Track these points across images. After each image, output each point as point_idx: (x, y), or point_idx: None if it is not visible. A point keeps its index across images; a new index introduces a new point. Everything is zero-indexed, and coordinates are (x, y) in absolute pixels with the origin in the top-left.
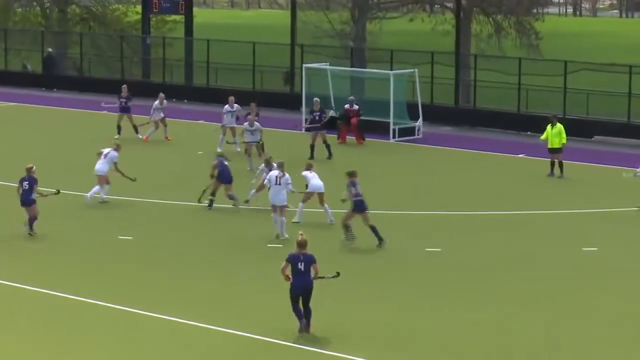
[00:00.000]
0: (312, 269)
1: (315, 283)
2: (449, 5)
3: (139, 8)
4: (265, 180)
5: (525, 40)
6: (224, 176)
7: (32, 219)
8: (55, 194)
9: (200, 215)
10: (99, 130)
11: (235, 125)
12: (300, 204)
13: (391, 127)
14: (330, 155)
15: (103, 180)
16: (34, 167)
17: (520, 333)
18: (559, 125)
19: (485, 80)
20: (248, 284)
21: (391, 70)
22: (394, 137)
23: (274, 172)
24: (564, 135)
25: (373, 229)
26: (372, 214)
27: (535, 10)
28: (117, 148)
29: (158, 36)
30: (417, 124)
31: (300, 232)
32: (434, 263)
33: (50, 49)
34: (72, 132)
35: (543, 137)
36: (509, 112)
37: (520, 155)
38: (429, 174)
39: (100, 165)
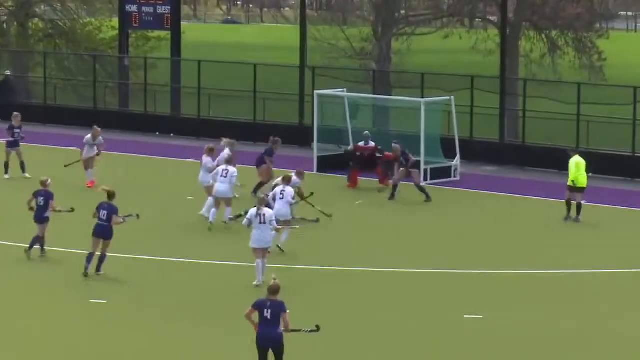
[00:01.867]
0: (281, 319)
1: (290, 337)
2: (493, 19)
3: (115, 22)
4: (246, 220)
5: (585, 61)
6: None
7: (41, 238)
8: (70, 211)
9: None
10: (62, 170)
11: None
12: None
13: (422, 167)
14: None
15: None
16: (49, 180)
17: None
18: (582, 160)
19: (536, 111)
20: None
21: (422, 97)
22: (425, 179)
23: (254, 210)
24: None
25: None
26: (398, 272)
27: (597, 25)
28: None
29: (138, 56)
30: (453, 163)
31: (274, 276)
32: (475, 332)
33: (7, 72)
34: (32, 172)
35: (573, 175)
36: (566, 148)
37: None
38: (467, 224)
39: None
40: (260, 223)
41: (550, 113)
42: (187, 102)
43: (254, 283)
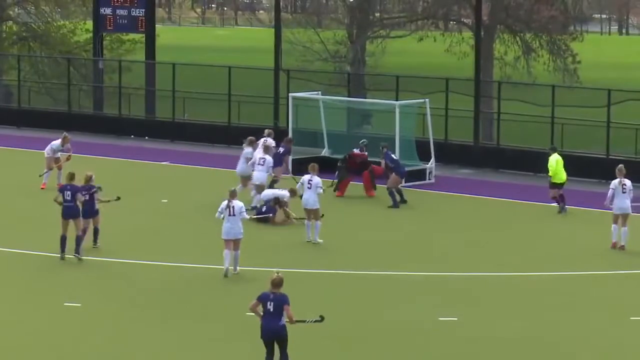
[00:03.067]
0: (284, 311)
1: (294, 328)
2: (467, 21)
3: (89, 25)
4: (217, 212)
5: (560, 63)
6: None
7: (96, 231)
8: (117, 199)
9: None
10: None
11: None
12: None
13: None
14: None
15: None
16: (94, 175)
17: None
18: (560, 158)
19: (511, 113)
20: None
21: (396, 100)
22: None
23: (225, 202)
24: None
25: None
26: (371, 275)
27: (572, 28)
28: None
29: (113, 59)
30: (428, 165)
31: (276, 270)
32: (448, 335)
33: None
34: (6, 175)
35: (553, 171)
36: (540, 151)
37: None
38: (442, 227)
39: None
40: (230, 215)
41: (525, 115)
42: (161, 105)
43: (223, 272)
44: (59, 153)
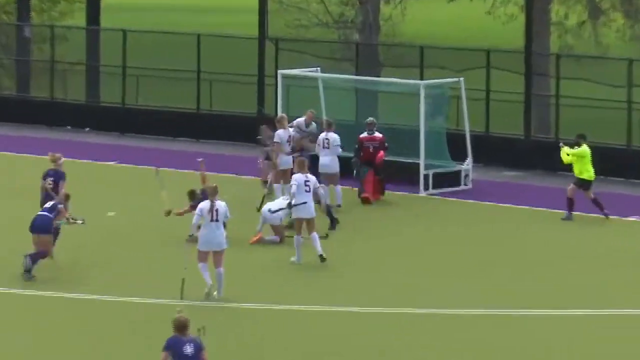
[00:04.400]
0: (202, 355)
1: None
2: None
3: None
4: (196, 216)
5: (638, 30)
6: None
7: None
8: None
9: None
10: None
11: None
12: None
13: (422, 172)
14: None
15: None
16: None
17: None
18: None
19: (574, 97)
20: None
21: (421, 79)
22: (426, 188)
23: (206, 204)
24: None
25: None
26: (386, 312)
27: None
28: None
29: (43, 24)
30: (463, 167)
31: (178, 309)
32: None
33: None
34: None
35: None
36: (613, 146)
37: (632, 218)
38: (482, 247)
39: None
40: (212, 221)
41: (592, 100)
42: (108, 85)
43: (206, 291)
44: None
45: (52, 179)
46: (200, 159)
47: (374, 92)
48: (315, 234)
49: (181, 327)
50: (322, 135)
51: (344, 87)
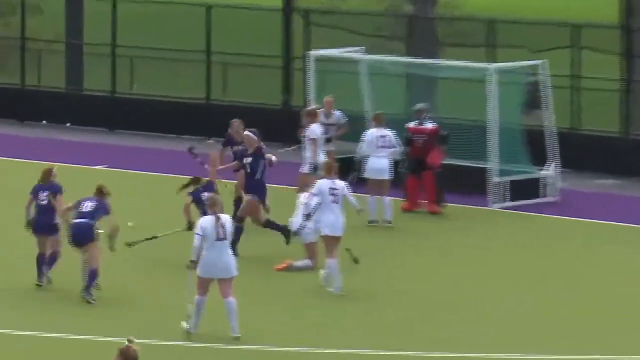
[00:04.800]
0: None
1: None
2: None
3: None
4: (197, 237)
5: None
6: None
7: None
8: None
9: None
10: None
11: None
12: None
13: (493, 179)
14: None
15: None
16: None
17: None
18: None
19: None
20: None
21: (492, 62)
22: (499, 199)
23: (209, 219)
24: None
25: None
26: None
27: None
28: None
29: None
30: (545, 172)
31: (130, 337)
32: None
33: None
34: None
35: None
36: None
37: None
38: (576, 279)
39: None
40: (218, 239)
41: None
42: (93, 69)
43: (184, 329)
44: None
45: (46, 193)
46: (209, 141)
47: (432, 78)
48: (333, 262)
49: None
50: (374, 132)
51: (393, 73)
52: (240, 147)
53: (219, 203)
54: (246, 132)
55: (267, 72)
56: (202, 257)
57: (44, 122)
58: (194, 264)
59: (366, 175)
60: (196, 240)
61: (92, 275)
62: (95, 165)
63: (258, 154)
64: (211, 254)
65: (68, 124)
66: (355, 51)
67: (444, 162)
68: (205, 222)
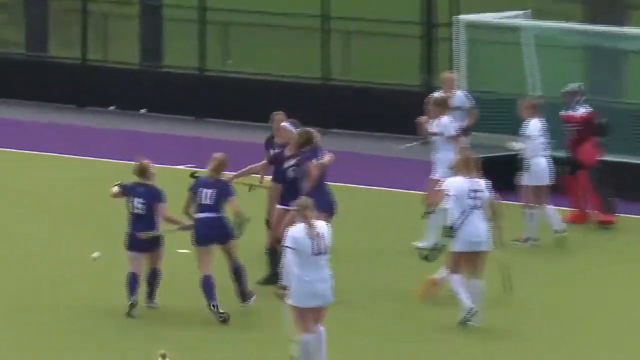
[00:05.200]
0: None
1: None
2: None
3: None
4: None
5: None
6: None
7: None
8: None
9: None
10: None
11: None
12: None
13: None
14: None
15: None
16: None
17: None
18: None
19: None
20: None
21: None
22: None
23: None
24: None
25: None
26: None
27: None
28: None
29: None
30: None
31: (162, 351)
32: None
33: None
34: None
35: None
36: None
37: None
38: None
39: None
40: (315, 254)
41: None
42: (174, 40)
43: None
44: None
45: (142, 200)
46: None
47: (619, 51)
48: (478, 283)
49: None
50: (537, 124)
51: (567, 44)
52: (276, 149)
53: (310, 211)
54: (283, 124)
55: (401, 42)
56: (297, 282)
57: (112, 107)
58: (284, 289)
59: (526, 182)
60: (287, 255)
61: (208, 286)
62: (178, 165)
63: (304, 157)
64: (309, 276)
65: (143, 110)
66: (518, 16)
67: (601, 158)
68: (296, 233)
